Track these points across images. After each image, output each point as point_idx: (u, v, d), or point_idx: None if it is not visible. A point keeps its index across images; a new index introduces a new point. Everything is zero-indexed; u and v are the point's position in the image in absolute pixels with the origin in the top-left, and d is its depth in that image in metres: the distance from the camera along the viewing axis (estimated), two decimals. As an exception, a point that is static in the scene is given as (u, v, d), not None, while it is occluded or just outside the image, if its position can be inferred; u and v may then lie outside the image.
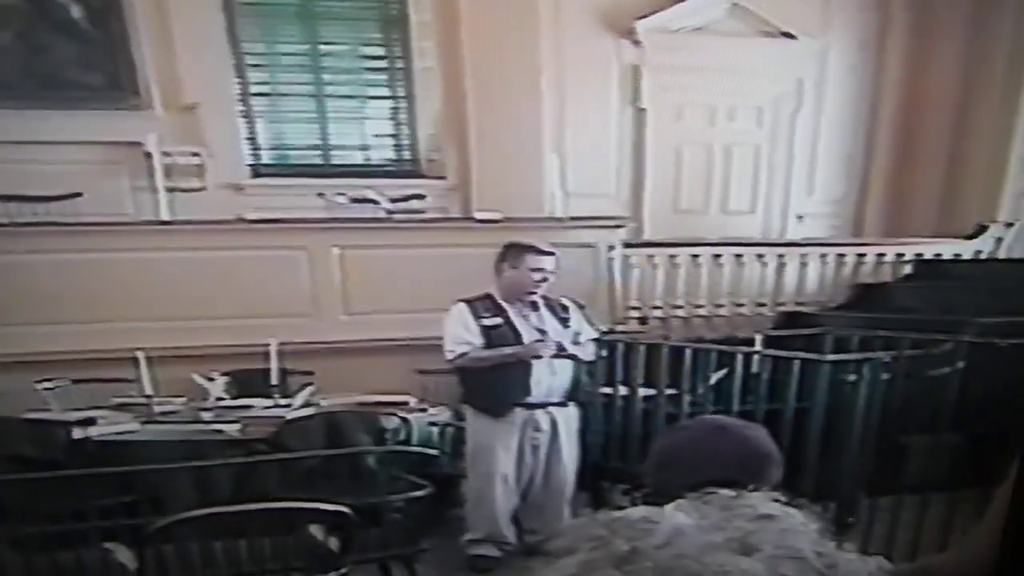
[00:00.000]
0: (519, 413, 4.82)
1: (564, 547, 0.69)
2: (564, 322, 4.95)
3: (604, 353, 5.66)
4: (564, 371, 4.88)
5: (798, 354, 5.37)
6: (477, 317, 4.85)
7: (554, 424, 4.89)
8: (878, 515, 4.94)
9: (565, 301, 5.07)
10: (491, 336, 4.82)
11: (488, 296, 4.92)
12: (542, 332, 4.82)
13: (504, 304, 4.88)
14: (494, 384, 4.83)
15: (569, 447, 4.97)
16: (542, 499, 5.01)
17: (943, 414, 4.80)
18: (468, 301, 4.91)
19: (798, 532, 0.67)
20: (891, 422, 5.07)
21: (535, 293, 4.84)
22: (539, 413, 4.85)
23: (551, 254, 4.89)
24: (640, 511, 0.70)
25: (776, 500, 0.72)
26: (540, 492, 5.00)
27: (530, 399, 4.81)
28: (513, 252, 4.86)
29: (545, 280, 4.83)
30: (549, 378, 4.81)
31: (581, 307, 5.32)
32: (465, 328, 4.86)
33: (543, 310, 4.91)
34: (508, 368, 4.78)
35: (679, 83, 9.07)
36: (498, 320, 4.84)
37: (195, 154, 7.87)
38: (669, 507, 0.71)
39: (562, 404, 4.93)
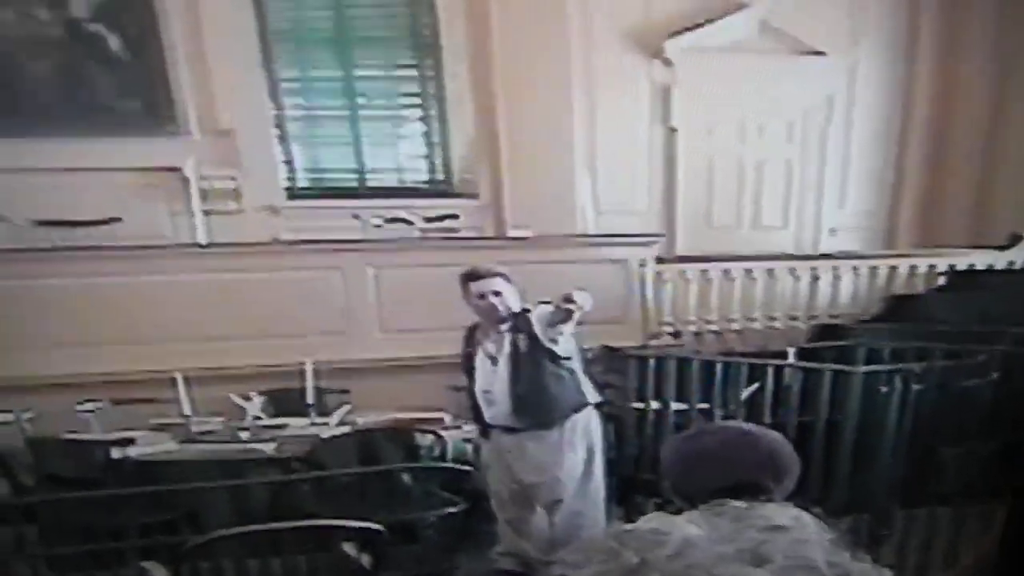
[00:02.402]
0: (495, 435, 4.75)
1: (574, 561, 0.69)
2: (515, 344, 4.63)
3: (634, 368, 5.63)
4: (498, 401, 4.64)
5: (829, 366, 5.31)
6: (466, 345, 4.78)
7: (523, 449, 4.69)
8: (914, 526, 4.89)
9: (532, 309, 4.65)
10: (465, 364, 4.77)
11: (478, 324, 4.76)
12: (493, 361, 4.64)
13: (480, 334, 4.73)
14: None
15: (545, 469, 4.70)
16: (551, 518, 4.85)
17: (978, 424, 4.76)
18: (471, 327, 4.80)
19: (811, 542, 0.67)
20: (925, 433, 5.01)
21: (502, 320, 4.58)
22: (504, 436, 4.72)
23: (494, 275, 4.58)
24: (651, 523, 0.70)
25: (789, 511, 0.72)
26: (547, 511, 4.84)
27: (492, 423, 4.72)
28: (462, 285, 4.63)
29: (494, 305, 4.52)
30: (489, 408, 4.68)
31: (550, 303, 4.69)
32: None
33: (506, 337, 4.64)
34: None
35: (710, 101, 9.11)
36: (469, 349, 4.74)
37: (232, 178, 7.98)
38: (680, 518, 0.71)
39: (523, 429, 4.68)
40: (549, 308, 4.49)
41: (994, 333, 5.63)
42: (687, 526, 0.68)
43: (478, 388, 4.68)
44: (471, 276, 4.59)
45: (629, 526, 0.71)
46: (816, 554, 0.65)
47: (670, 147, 9.22)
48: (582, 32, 8.55)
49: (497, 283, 4.56)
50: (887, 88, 9.60)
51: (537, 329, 4.53)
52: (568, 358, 4.65)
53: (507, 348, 4.61)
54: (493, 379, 4.63)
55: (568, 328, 4.50)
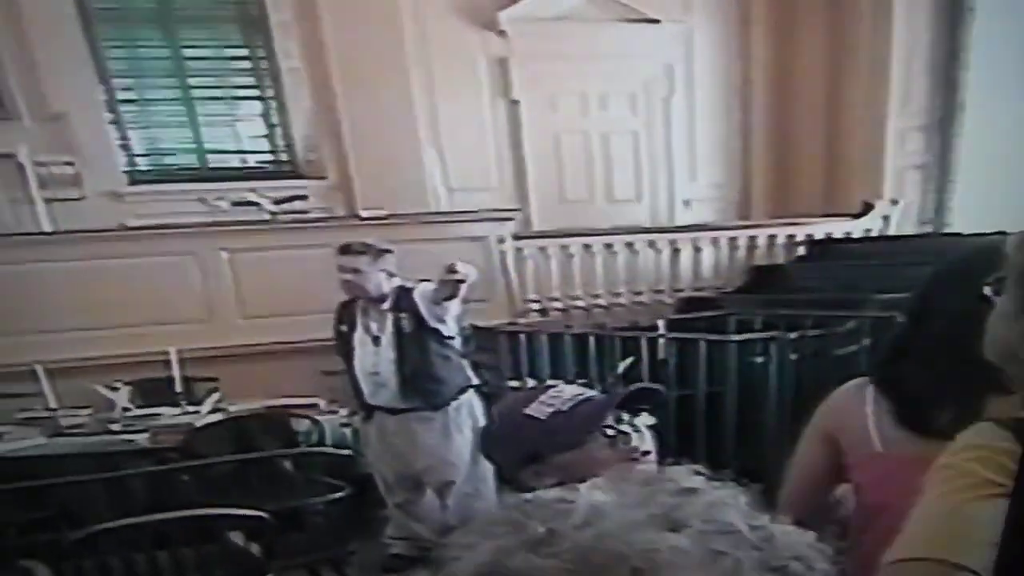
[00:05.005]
0: (378, 416, 4.76)
1: (475, 536, 0.64)
2: (398, 324, 4.62)
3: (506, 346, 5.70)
4: (387, 382, 4.65)
5: (703, 335, 5.41)
6: (339, 323, 4.77)
7: (410, 432, 4.73)
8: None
9: (413, 288, 4.61)
10: (340, 344, 4.77)
11: (355, 299, 4.73)
12: (376, 341, 4.63)
13: (357, 309, 4.71)
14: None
15: (433, 452, 4.74)
16: (443, 500, 4.89)
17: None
18: (343, 303, 4.79)
19: (726, 505, 0.65)
20: (807, 401, 5.14)
21: (376, 298, 4.58)
22: (390, 418, 4.74)
23: (360, 253, 4.53)
24: (554, 492, 0.68)
25: (699, 473, 0.71)
26: (438, 493, 4.90)
27: (376, 404, 4.73)
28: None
29: (351, 282, 4.53)
30: (377, 388, 4.68)
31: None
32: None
33: (388, 315, 4.63)
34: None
35: (549, 73, 9.23)
36: (344, 328, 4.72)
37: (70, 163, 7.72)
38: (584, 486, 0.68)
39: (411, 410, 4.70)
40: (432, 285, 4.49)
41: (861, 300, 5.85)
42: (593, 492, 0.66)
43: (362, 369, 4.66)
44: (342, 249, 4.57)
45: (529, 496, 0.69)
46: (734, 517, 0.63)
47: (515, 121, 9.31)
48: (412, 5, 8.48)
49: (359, 262, 4.52)
50: (725, 56, 9.80)
51: (422, 308, 4.52)
52: (452, 337, 4.69)
53: (390, 327, 4.59)
54: (378, 359, 4.62)
55: (455, 305, 4.54)
